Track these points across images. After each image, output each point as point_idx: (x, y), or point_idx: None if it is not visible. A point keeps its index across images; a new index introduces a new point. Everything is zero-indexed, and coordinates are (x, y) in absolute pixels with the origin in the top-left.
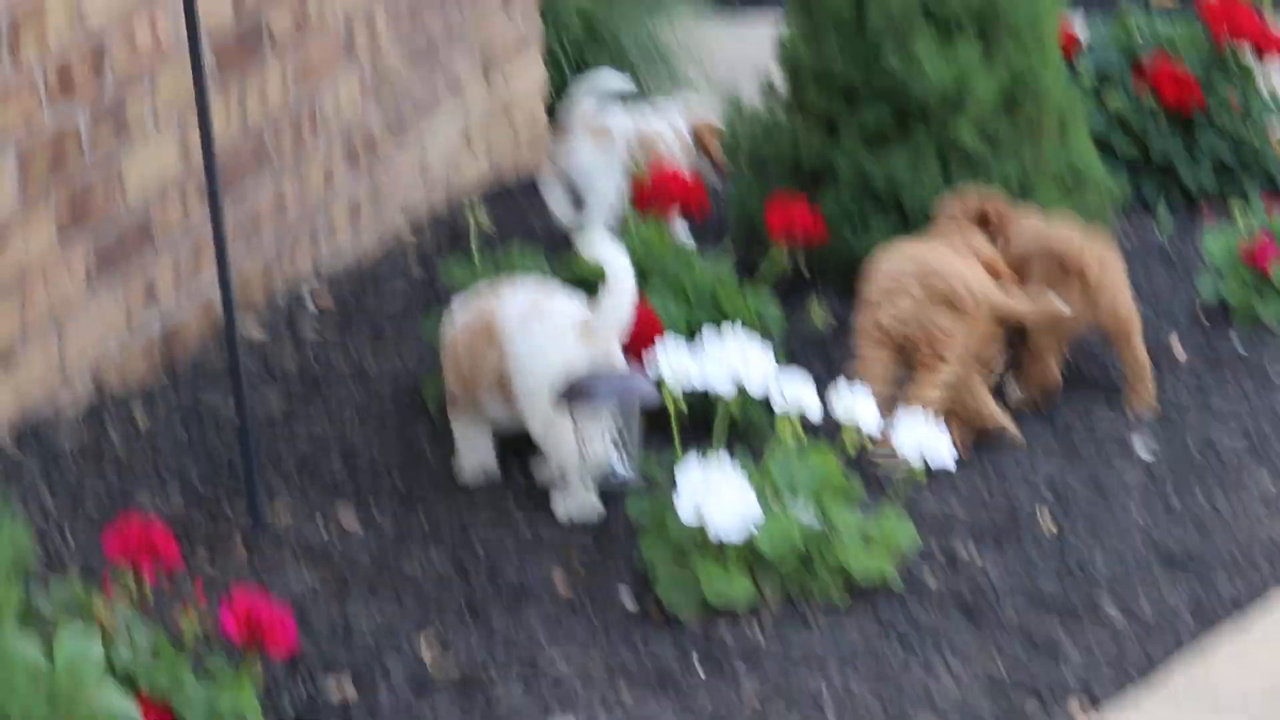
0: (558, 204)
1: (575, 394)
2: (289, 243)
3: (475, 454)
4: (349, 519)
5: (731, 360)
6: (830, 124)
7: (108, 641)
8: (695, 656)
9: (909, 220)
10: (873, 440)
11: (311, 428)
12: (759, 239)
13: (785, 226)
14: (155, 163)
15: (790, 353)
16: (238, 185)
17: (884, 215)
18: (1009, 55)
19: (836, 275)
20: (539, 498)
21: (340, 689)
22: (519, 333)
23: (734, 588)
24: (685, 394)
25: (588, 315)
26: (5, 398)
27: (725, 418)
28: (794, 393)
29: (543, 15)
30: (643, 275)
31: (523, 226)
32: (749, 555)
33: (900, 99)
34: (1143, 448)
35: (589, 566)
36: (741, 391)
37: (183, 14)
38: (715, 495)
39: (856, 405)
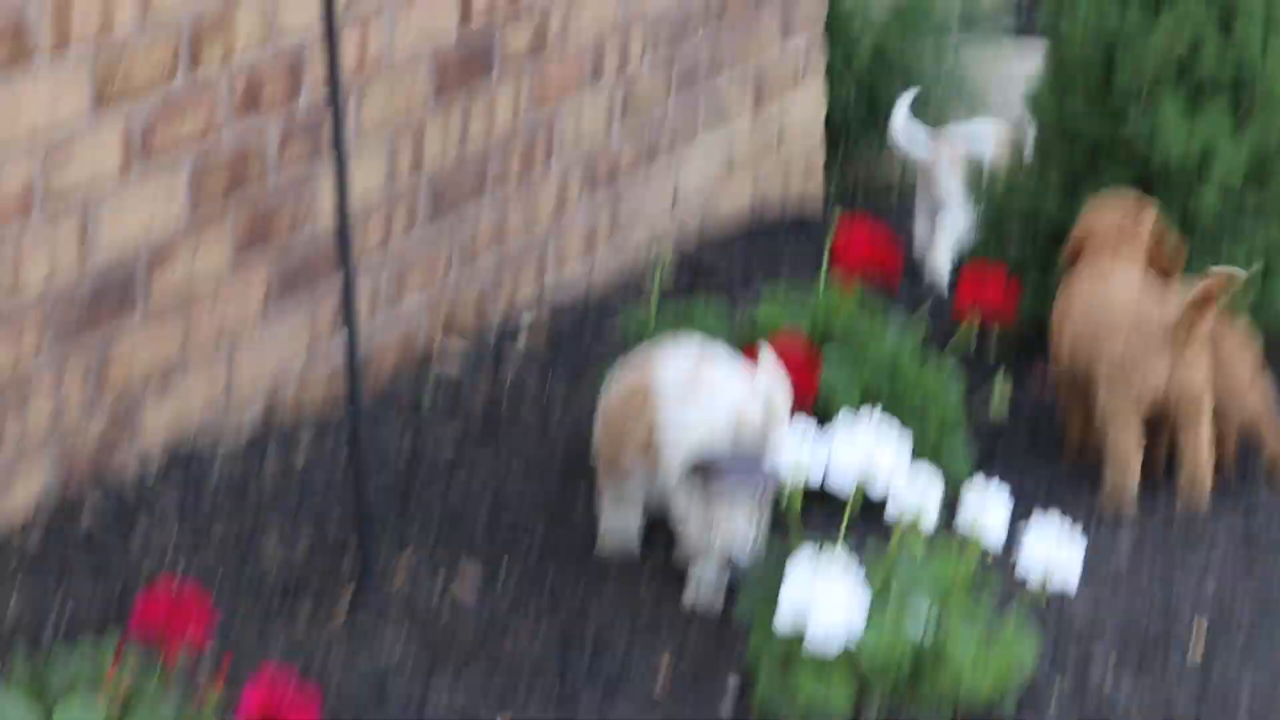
0: (924, 238)
1: (701, 474)
2: (511, 270)
3: (618, 528)
4: (468, 583)
5: (860, 454)
6: (1072, 184)
7: (119, 712)
8: None
9: None
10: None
11: (472, 476)
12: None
13: (974, 301)
14: (357, 184)
15: (971, 431)
16: (455, 209)
17: None
18: (1262, 124)
19: None
20: (673, 579)
21: None
22: (674, 402)
23: (833, 696)
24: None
25: (748, 397)
26: (159, 422)
27: (850, 516)
28: (914, 497)
29: (828, 39)
30: (822, 340)
31: (774, 265)
32: (854, 664)
33: (1143, 163)
34: None
35: (699, 658)
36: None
37: (396, 28)
38: (822, 600)
39: (984, 512)
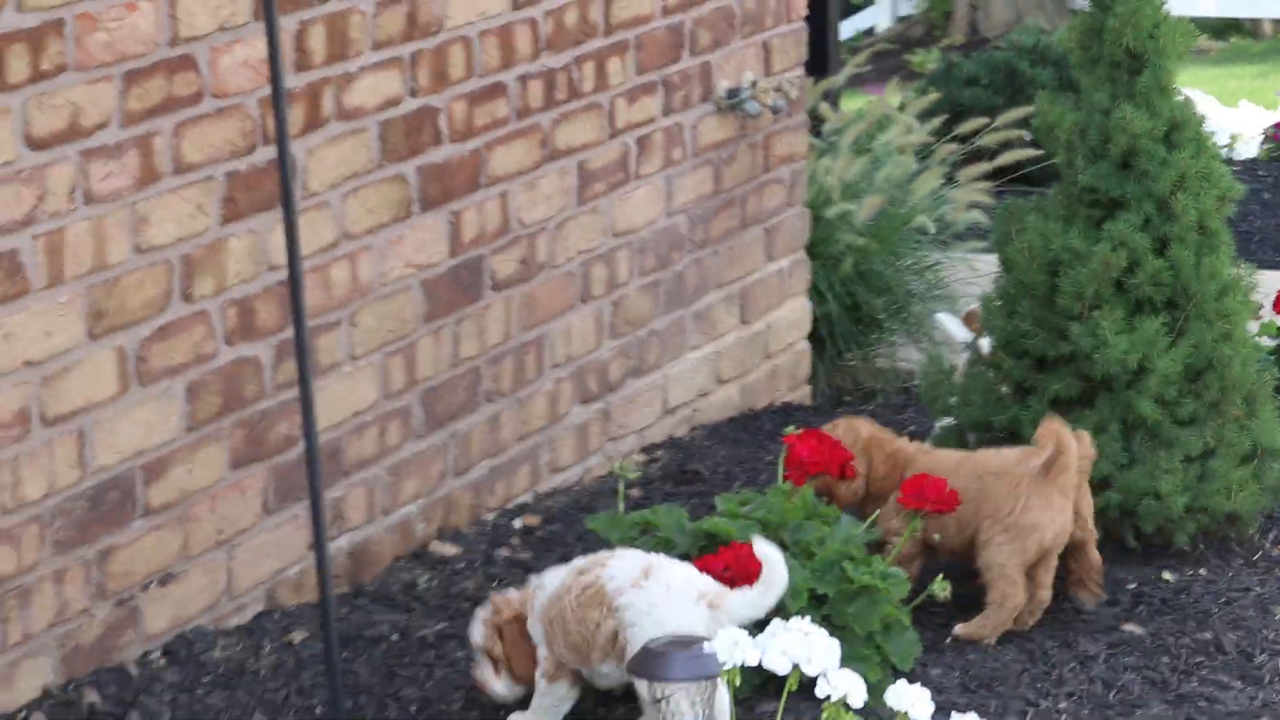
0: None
1: (647, 665)
2: (504, 467)
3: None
4: None
5: (793, 649)
6: (1021, 388)
7: None
8: None
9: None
10: None
11: (453, 656)
12: None
13: (916, 496)
14: (352, 395)
15: (920, 621)
16: (449, 421)
17: None
18: (1195, 332)
19: None
20: None
21: None
22: (633, 592)
23: None
24: None
25: (709, 585)
26: (161, 613)
27: (787, 695)
28: (839, 682)
29: (810, 252)
30: (776, 539)
31: (755, 469)
32: None
33: (1086, 369)
34: None
35: None
36: None
37: (387, 258)
38: None
39: (909, 697)
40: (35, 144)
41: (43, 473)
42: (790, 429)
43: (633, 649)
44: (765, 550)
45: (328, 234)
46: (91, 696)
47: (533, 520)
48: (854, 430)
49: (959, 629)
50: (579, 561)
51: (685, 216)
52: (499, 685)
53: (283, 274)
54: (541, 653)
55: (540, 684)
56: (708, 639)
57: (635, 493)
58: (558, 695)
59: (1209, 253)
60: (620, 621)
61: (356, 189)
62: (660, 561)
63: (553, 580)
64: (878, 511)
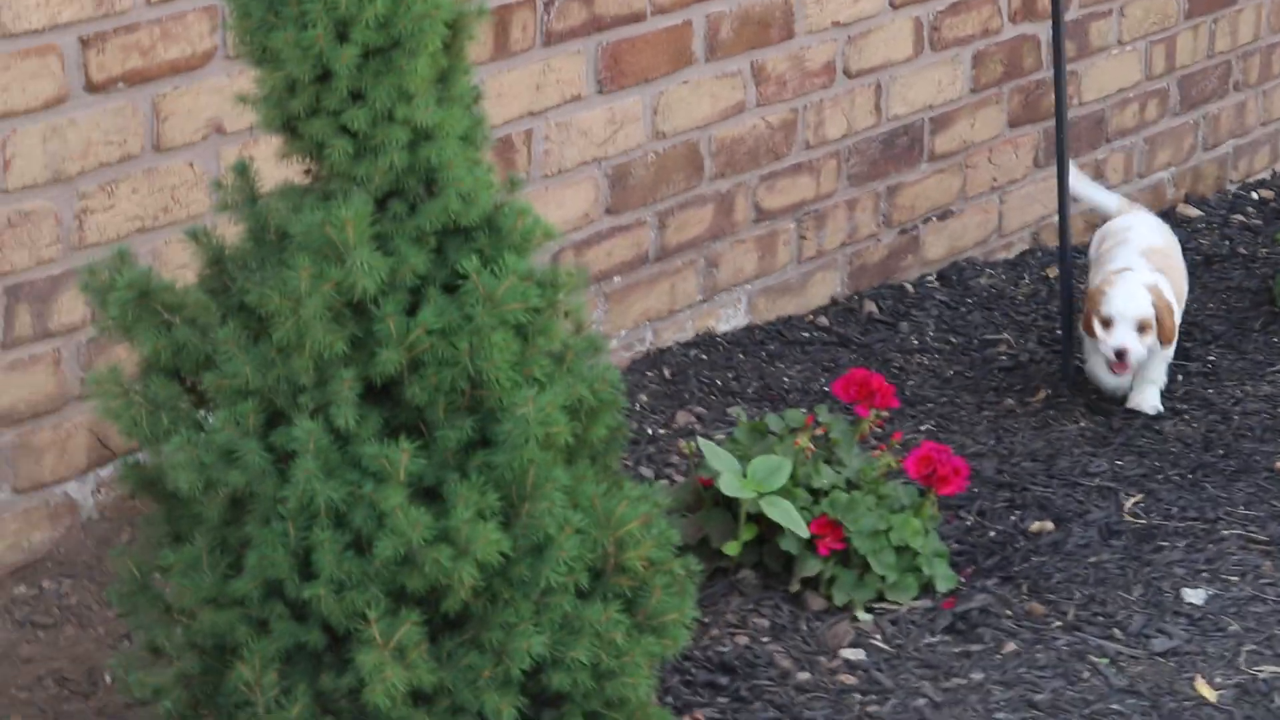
0: None
1: None
2: (1247, 147)
3: None
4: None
5: None
6: None
7: (804, 463)
8: None
9: None
10: None
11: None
12: None
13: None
14: (1117, 74)
15: None
16: (1201, 97)
17: None
18: None
19: None
20: None
21: (1040, 527)
22: None
23: None
24: None
25: None
26: (938, 243)
27: None
28: None
29: None
30: None
31: None
32: None
33: None
34: None
35: None
36: None
37: None
38: None
39: None
40: None
41: (843, 116)
42: None
43: None
44: None
45: None
46: (870, 307)
47: (1268, 194)
48: None
49: None
50: None
51: None
52: None
53: None
54: None
55: None
56: None
57: None
58: None
59: None
60: None
61: None
62: None
63: None
64: None
